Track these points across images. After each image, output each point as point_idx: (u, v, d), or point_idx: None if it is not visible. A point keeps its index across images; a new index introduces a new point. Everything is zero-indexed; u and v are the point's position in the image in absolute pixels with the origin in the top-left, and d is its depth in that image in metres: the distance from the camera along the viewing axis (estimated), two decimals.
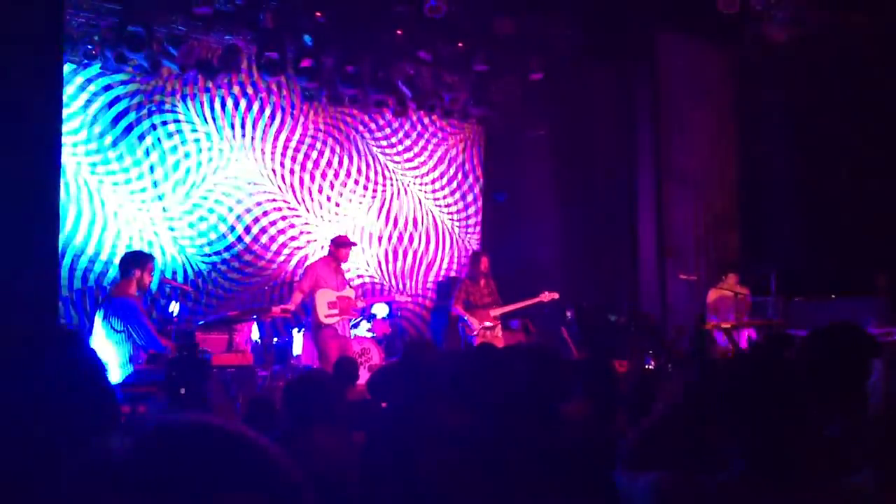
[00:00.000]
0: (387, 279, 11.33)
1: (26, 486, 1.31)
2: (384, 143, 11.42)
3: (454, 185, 12.04)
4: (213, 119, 9.94)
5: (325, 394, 3.79)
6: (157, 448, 0.87)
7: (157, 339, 5.95)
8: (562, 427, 3.04)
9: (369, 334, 9.43)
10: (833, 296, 8.95)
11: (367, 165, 11.23)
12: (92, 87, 9.06)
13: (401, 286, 11.40)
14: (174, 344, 6.31)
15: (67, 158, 8.72)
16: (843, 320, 2.68)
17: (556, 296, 8.93)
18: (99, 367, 1.64)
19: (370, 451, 3.62)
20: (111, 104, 9.18)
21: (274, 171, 10.39)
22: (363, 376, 8.70)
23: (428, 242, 11.76)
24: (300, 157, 10.62)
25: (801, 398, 1.86)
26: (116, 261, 8.80)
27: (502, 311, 8.90)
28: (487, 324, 8.76)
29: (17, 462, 1.37)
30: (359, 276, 10.92)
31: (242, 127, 10.16)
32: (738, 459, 1.84)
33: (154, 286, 8.32)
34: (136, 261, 6.18)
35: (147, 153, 9.42)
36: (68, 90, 8.70)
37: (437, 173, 11.88)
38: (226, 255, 9.93)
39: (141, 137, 9.39)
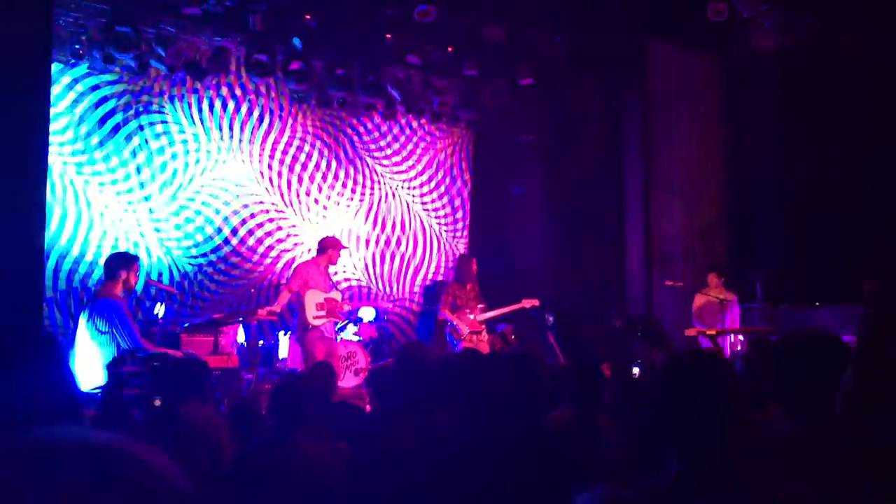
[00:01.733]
0: (374, 283, 11.31)
1: None
2: (373, 146, 11.41)
3: (442, 189, 12.05)
4: (201, 120, 9.91)
5: (311, 397, 3.78)
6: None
7: (140, 341, 5.92)
8: (547, 432, 3.05)
9: (356, 338, 9.41)
10: (818, 303, 9.00)
11: (356, 169, 11.22)
12: (79, 87, 9.01)
13: (388, 290, 11.39)
14: (158, 346, 6.28)
15: (53, 158, 8.66)
16: (813, 328, 2.71)
17: (536, 302, 8.95)
18: (67, 373, 1.64)
19: (356, 456, 3.61)
20: (98, 104, 9.14)
21: (262, 173, 10.37)
22: (349, 380, 8.70)
23: (415, 246, 11.76)
24: (288, 159, 10.60)
25: (736, 399, 1.86)
26: (102, 262, 8.79)
27: (486, 317, 8.90)
28: (474, 327, 8.75)
29: None
30: (346, 280, 10.90)
31: (230, 129, 10.13)
32: (673, 462, 1.83)
33: (139, 288, 8.27)
34: (122, 262, 6.15)
35: (134, 154, 9.38)
36: (55, 90, 8.64)
37: (425, 177, 11.89)
38: (212, 258, 9.89)
39: (128, 138, 9.34)
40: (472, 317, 8.71)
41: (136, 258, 6.40)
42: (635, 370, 8.22)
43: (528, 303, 8.92)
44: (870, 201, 9.36)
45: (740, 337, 8.84)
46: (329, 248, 8.29)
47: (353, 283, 11.08)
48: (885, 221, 9.07)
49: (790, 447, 2.22)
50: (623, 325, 8.61)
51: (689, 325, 8.99)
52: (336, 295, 8.29)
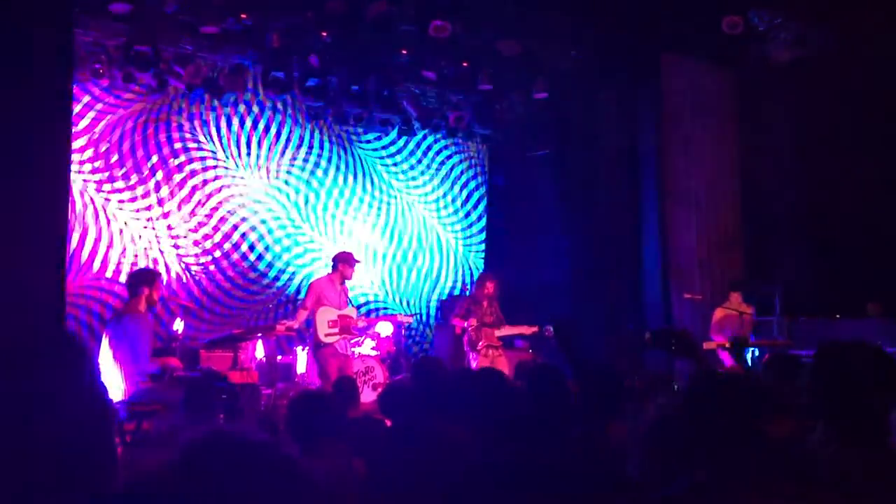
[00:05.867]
0: (391, 297, 11.33)
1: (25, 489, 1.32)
2: (389, 161, 11.46)
3: (458, 203, 12.07)
4: (220, 137, 9.99)
5: (326, 413, 3.78)
6: (192, 462, 0.93)
7: (148, 360, 5.95)
8: (569, 447, 3.04)
9: (373, 353, 9.41)
10: (838, 315, 8.93)
11: (372, 184, 11.27)
12: (99, 106, 9.12)
13: (405, 304, 11.40)
14: (166, 361, 6.31)
15: (73, 177, 8.76)
16: (856, 339, 2.53)
17: (535, 329, 8.86)
18: (97, 379, 1.65)
19: (374, 471, 3.61)
20: (117, 122, 9.24)
21: (279, 189, 10.43)
22: (367, 395, 8.69)
23: (432, 261, 11.77)
24: (305, 175, 10.66)
25: (761, 416, 1.85)
26: (121, 278, 8.86)
27: (505, 333, 8.84)
28: (491, 341, 8.72)
29: (16, 464, 1.37)
30: (363, 294, 10.93)
31: (248, 145, 10.21)
32: (699, 473, 1.84)
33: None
34: (145, 279, 6.20)
35: (153, 171, 9.47)
36: (75, 108, 8.75)
37: (441, 192, 11.92)
38: (230, 273, 9.95)
39: (147, 156, 9.43)
40: (484, 344, 8.65)
41: (157, 275, 6.46)
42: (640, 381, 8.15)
43: (527, 329, 8.86)
44: (888, 213, 9.30)
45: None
46: (341, 262, 8.28)
47: (371, 297, 11.11)
48: None
49: (830, 469, 2.14)
50: (651, 338, 8.53)
51: (707, 338, 8.95)
52: (351, 311, 8.27)
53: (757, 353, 8.70)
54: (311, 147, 10.73)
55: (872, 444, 2.22)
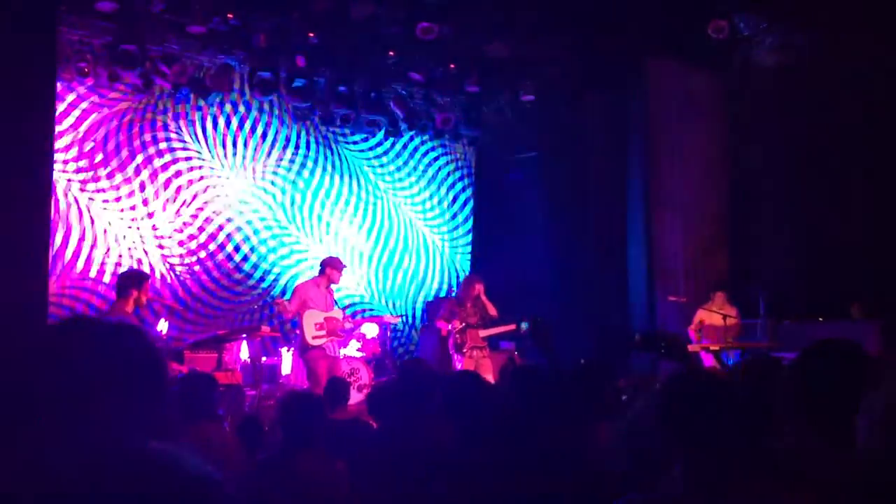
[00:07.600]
0: (376, 298, 11.31)
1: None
2: (375, 162, 11.45)
3: (444, 205, 12.07)
4: (205, 137, 9.95)
5: (314, 415, 3.77)
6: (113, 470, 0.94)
7: None
8: (555, 447, 3.05)
9: (359, 354, 9.40)
10: (821, 318, 8.98)
11: (359, 185, 11.25)
12: (84, 105, 9.06)
13: (390, 306, 11.38)
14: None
15: (57, 176, 8.70)
16: (838, 338, 2.56)
17: (512, 326, 8.95)
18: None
19: (358, 472, 3.61)
20: (103, 122, 9.18)
21: (265, 189, 10.40)
22: (353, 397, 8.68)
23: (418, 262, 11.77)
24: (291, 175, 10.64)
25: (737, 415, 1.88)
26: (105, 278, 8.81)
27: (485, 334, 8.85)
28: (476, 342, 8.73)
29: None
30: (348, 296, 10.91)
31: (234, 146, 10.18)
32: (679, 473, 1.86)
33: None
34: (134, 280, 6.17)
35: (138, 171, 9.42)
36: (60, 107, 8.70)
37: (427, 193, 11.91)
38: (215, 274, 9.90)
39: (132, 155, 9.38)
40: (469, 345, 8.67)
41: (146, 276, 6.43)
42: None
43: (504, 328, 8.95)
44: (874, 216, 9.36)
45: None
46: (328, 267, 8.32)
47: (357, 298, 11.09)
48: (888, 236, 9.07)
49: (799, 467, 2.17)
50: (641, 340, 8.56)
51: (689, 341, 8.98)
52: (337, 314, 8.29)
53: (747, 355, 8.73)
54: (297, 148, 10.70)
55: (847, 443, 2.25)
